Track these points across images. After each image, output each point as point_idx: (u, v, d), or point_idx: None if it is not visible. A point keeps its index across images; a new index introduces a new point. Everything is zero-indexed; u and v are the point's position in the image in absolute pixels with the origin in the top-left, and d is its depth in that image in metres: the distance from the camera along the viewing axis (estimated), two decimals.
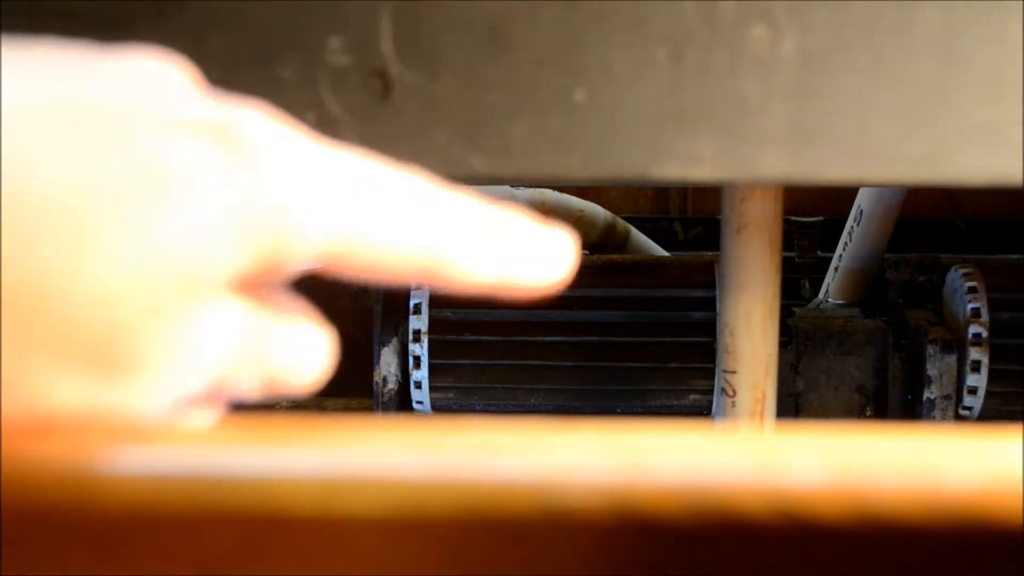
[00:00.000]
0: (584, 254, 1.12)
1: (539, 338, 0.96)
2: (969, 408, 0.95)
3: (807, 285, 1.14)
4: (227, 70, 0.50)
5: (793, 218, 1.13)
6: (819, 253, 1.15)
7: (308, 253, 0.27)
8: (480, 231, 0.30)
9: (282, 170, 0.26)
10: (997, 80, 0.49)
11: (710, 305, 0.96)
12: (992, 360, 0.94)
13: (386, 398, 0.98)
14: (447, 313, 0.96)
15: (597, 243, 1.17)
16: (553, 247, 0.32)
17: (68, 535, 0.22)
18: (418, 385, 0.97)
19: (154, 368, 0.25)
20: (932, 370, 0.95)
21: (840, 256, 1.06)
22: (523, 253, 0.31)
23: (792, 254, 1.13)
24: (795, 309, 1.04)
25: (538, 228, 0.31)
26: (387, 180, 0.28)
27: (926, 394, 0.95)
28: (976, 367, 0.94)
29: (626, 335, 0.96)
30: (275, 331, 0.29)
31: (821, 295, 1.09)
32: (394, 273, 0.29)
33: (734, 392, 0.84)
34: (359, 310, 1.18)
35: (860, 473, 0.22)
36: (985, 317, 0.94)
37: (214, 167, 0.25)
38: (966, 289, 0.96)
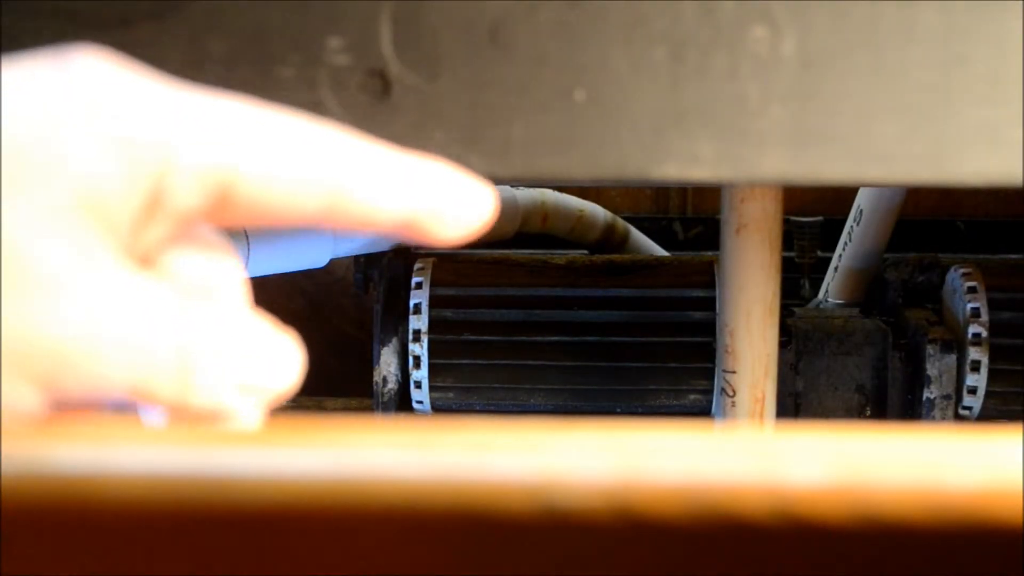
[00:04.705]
0: (584, 254, 1.12)
1: (539, 338, 0.96)
2: (969, 408, 0.95)
3: (807, 285, 1.14)
4: (227, 70, 0.50)
5: (793, 218, 1.13)
6: (819, 253, 1.15)
7: (194, 183, 0.27)
8: (384, 165, 0.29)
9: (158, 105, 0.27)
10: (997, 80, 0.49)
11: (710, 305, 0.96)
12: (992, 360, 0.94)
13: (386, 398, 0.98)
14: (447, 313, 0.96)
15: (597, 243, 1.17)
16: (467, 189, 0.30)
17: (68, 535, 0.22)
18: (418, 385, 0.97)
19: (68, 285, 0.26)
20: (932, 370, 0.95)
21: (840, 256, 1.06)
22: (434, 190, 0.30)
23: (792, 254, 1.13)
24: (795, 309, 1.04)
25: (451, 170, 0.30)
26: (277, 117, 0.29)
27: (926, 394, 0.95)
28: (976, 367, 0.94)
29: (626, 335, 0.96)
30: (215, 335, 0.28)
31: (821, 295, 1.09)
32: (292, 209, 0.28)
33: (734, 392, 0.84)
34: (359, 310, 1.18)
35: (860, 473, 0.22)
36: (985, 317, 0.94)
37: (95, 108, 0.26)
38: (966, 289, 0.96)
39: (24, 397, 0.25)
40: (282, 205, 0.28)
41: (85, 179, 0.26)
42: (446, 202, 0.30)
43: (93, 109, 0.26)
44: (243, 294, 0.30)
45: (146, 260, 0.29)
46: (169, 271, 0.29)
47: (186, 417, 0.28)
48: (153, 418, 0.28)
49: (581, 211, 1.15)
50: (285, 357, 0.29)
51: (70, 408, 0.27)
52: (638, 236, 1.21)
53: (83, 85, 0.27)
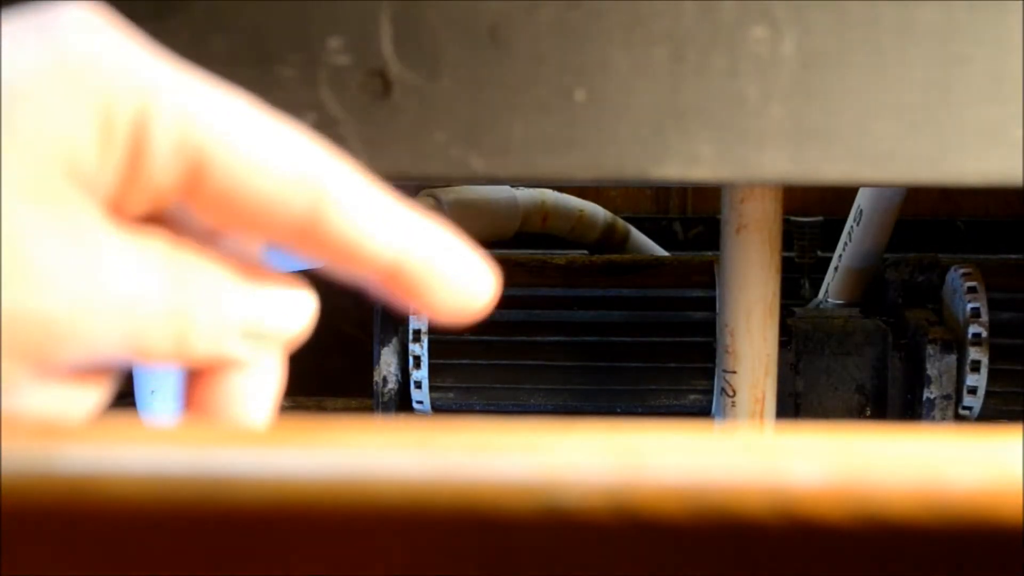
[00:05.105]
0: (584, 254, 1.12)
1: (539, 338, 0.96)
2: (969, 408, 0.95)
3: (807, 285, 1.14)
4: (228, 70, 0.50)
5: (793, 218, 1.13)
6: (819, 253, 1.15)
7: (170, 134, 0.26)
8: (377, 193, 0.27)
9: (137, 58, 0.26)
10: (997, 80, 0.49)
11: (710, 305, 0.96)
12: (992, 360, 0.94)
13: (386, 398, 0.98)
14: None
15: (597, 243, 1.17)
16: (471, 259, 0.28)
17: (69, 535, 0.22)
18: (418, 385, 0.97)
19: (50, 256, 0.25)
20: (932, 370, 0.95)
21: (840, 256, 1.07)
22: (430, 241, 0.27)
23: (792, 254, 1.13)
24: (795, 309, 1.04)
25: (456, 237, 0.28)
26: (262, 111, 0.27)
27: (926, 394, 0.95)
28: (976, 367, 0.94)
29: (626, 335, 0.96)
30: (211, 283, 0.27)
31: (821, 295, 1.09)
32: (269, 202, 0.26)
33: (734, 392, 0.84)
34: (359, 310, 1.18)
35: (860, 473, 0.22)
36: (985, 317, 0.94)
37: (73, 63, 0.26)
38: (966, 289, 0.96)
39: (16, 375, 0.25)
40: (258, 194, 0.26)
41: (63, 141, 0.25)
42: (442, 258, 0.27)
43: (71, 64, 0.25)
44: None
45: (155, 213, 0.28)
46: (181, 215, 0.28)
47: (195, 369, 0.28)
48: (167, 407, 0.27)
49: (581, 211, 1.15)
50: (291, 298, 0.28)
51: (71, 376, 0.26)
52: (638, 236, 1.21)
53: (64, 44, 0.26)
